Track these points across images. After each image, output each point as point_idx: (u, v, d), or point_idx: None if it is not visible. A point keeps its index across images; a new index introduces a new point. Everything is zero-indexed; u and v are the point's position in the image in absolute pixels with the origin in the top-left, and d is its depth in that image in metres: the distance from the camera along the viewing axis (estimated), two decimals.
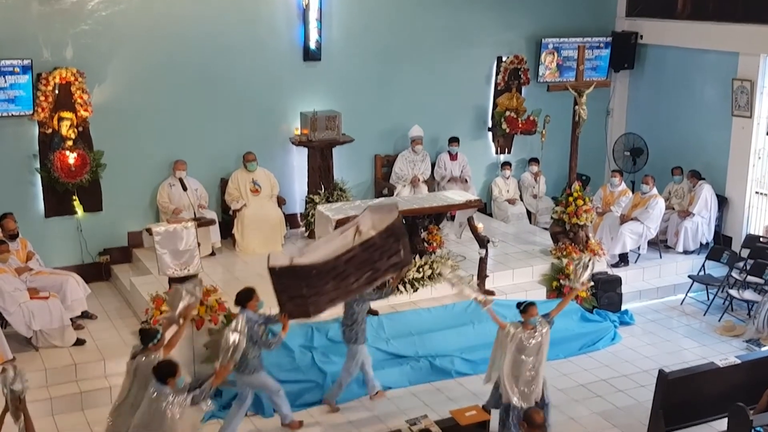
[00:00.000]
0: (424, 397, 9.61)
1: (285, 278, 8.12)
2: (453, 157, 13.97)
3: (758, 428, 8.09)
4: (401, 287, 10.88)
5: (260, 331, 8.32)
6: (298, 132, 12.90)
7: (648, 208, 12.78)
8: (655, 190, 12.97)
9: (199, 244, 9.86)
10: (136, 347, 7.64)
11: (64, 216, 11.69)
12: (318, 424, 8.98)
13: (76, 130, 11.29)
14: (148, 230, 9.95)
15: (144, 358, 7.42)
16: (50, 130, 11.26)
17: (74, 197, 11.57)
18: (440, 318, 10.68)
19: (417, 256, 11.13)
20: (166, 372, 6.97)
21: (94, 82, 11.57)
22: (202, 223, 10.22)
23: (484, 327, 10.60)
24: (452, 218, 12.31)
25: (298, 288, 8.03)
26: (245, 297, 8.38)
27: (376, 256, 8.30)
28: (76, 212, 11.67)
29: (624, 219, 12.86)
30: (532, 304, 8.29)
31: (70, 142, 11.25)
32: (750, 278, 11.97)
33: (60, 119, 11.17)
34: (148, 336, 7.53)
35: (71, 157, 11.24)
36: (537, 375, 8.20)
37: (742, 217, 13.52)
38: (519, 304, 8.34)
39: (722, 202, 13.58)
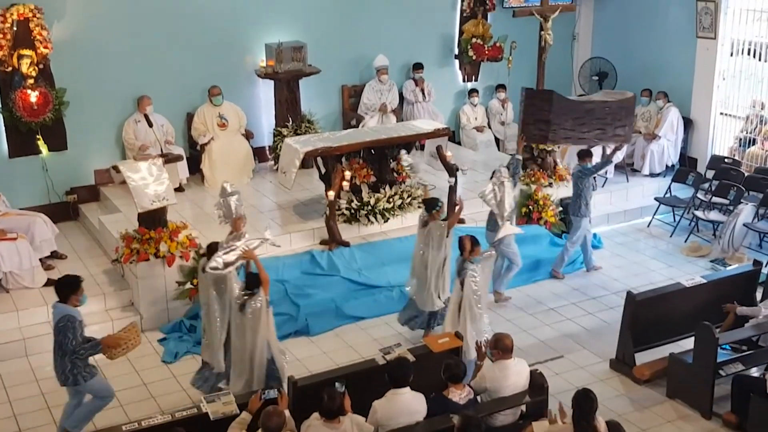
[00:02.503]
0: (397, 326, 9.70)
1: (538, 100, 9.67)
2: (418, 83, 13.89)
3: (725, 346, 8.31)
4: (371, 217, 10.93)
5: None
6: (264, 64, 12.73)
7: None
8: None
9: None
10: None
11: (28, 156, 11.50)
12: (292, 356, 9.07)
13: (36, 67, 11.04)
14: (115, 168, 9.85)
15: None
16: (10, 69, 10.99)
17: (38, 136, 11.37)
18: (411, 247, 10.69)
19: (387, 186, 11.16)
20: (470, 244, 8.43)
21: (52, 17, 11.28)
22: (169, 159, 10.11)
23: (456, 254, 10.68)
24: (422, 147, 12.31)
25: (545, 113, 9.55)
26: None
27: (609, 119, 9.78)
28: (40, 152, 11.48)
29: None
30: None
31: (31, 80, 11.01)
32: (715, 199, 12.13)
33: (20, 57, 10.89)
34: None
35: (33, 96, 11.02)
36: None
37: (707, 139, 13.65)
38: None
39: (687, 123, 13.68)
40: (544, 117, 9.54)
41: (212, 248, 7.97)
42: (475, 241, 8.48)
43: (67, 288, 7.18)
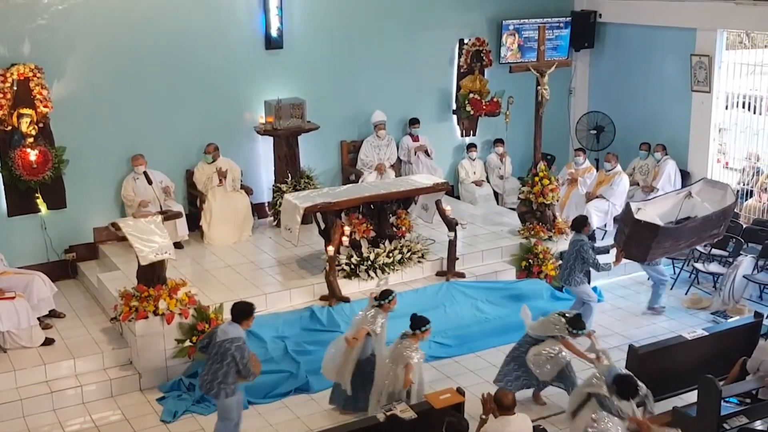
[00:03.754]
0: None
1: (642, 230, 10.14)
2: (415, 138, 14.00)
3: (731, 399, 8.21)
4: (371, 272, 10.90)
5: (591, 254, 10.20)
6: (263, 120, 12.83)
7: (612, 185, 12.90)
8: (618, 167, 13.09)
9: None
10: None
11: (27, 214, 11.51)
12: (293, 414, 8.99)
13: (36, 126, 11.11)
14: (114, 225, 9.84)
15: None
16: (10, 128, 11.06)
17: (37, 195, 11.40)
18: (412, 302, 10.66)
19: (386, 241, 11.16)
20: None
21: (53, 77, 11.40)
22: (168, 216, 10.12)
23: (456, 310, 10.69)
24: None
25: (648, 239, 10.13)
26: (581, 223, 10.42)
27: (705, 227, 10.16)
28: (39, 210, 11.50)
29: (589, 197, 12.97)
30: None
31: (30, 139, 11.07)
32: (714, 251, 12.12)
33: (19, 116, 10.96)
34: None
35: (32, 155, 11.07)
36: None
37: None
38: None
39: (685, 176, 13.73)
40: (647, 243, 10.19)
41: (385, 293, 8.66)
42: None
43: (243, 313, 7.95)
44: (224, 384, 7.74)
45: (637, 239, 10.22)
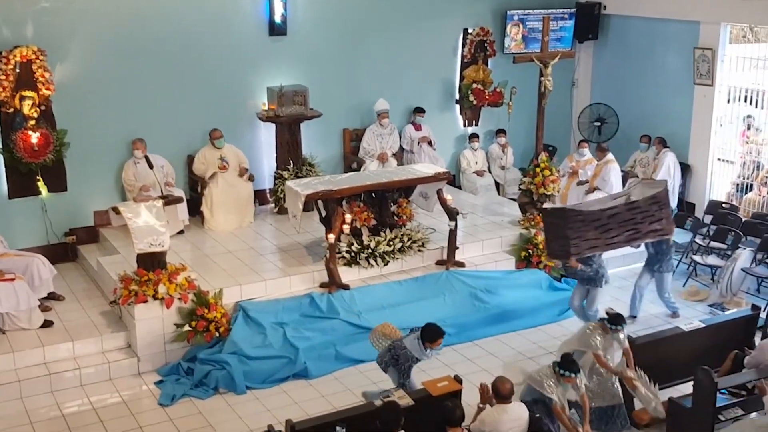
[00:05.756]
0: None
1: (552, 217, 9.58)
2: (418, 127, 14.00)
3: (723, 390, 8.24)
4: (371, 260, 10.92)
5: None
6: (266, 107, 12.83)
7: (602, 176, 12.91)
8: (608, 156, 13.01)
9: (167, 222, 9.78)
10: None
11: (28, 197, 11.52)
12: (290, 399, 9.02)
13: (38, 109, 11.11)
14: (114, 209, 9.85)
15: None
16: (12, 110, 11.05)
17: (38, 177, 11.40)
18: (411, 290, 10.74)
19: (387, 230, 11.18)
20: None
21: (55, 59, 11.38)
22: (169, 201, 10.12)
23: (455, 298, 10.70)
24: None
25: (562, 229, 9.36)
26: None
27: (639, 218, 9.50)
28: (40, 192, 11.50)
29: (589, 189, 12.98)
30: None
31: (32, 122, 11.06)
32: (713, 244, 12.15)
33: (22, 98, 10.95)
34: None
35: (34, 137, 11.07)
36: None
37: (705, 184, 13.72)
38: None
39: (685, 169, 13.75)
40: (561, 233, 9.45)
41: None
42: None
43: (429, 335, 8.08)
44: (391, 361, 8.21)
45: (552, 232, 9.64)
